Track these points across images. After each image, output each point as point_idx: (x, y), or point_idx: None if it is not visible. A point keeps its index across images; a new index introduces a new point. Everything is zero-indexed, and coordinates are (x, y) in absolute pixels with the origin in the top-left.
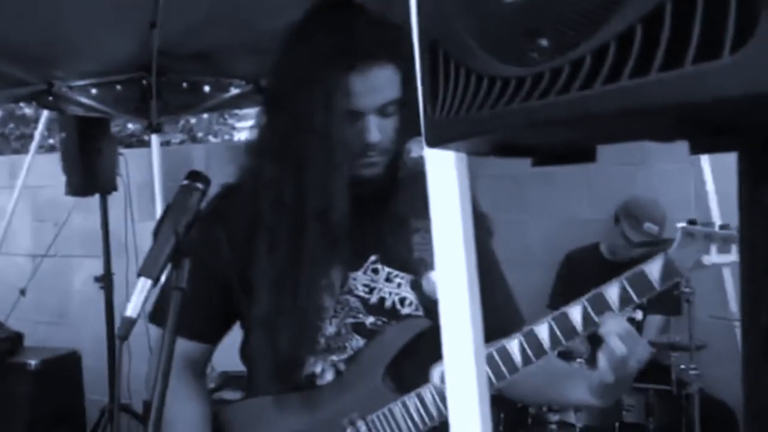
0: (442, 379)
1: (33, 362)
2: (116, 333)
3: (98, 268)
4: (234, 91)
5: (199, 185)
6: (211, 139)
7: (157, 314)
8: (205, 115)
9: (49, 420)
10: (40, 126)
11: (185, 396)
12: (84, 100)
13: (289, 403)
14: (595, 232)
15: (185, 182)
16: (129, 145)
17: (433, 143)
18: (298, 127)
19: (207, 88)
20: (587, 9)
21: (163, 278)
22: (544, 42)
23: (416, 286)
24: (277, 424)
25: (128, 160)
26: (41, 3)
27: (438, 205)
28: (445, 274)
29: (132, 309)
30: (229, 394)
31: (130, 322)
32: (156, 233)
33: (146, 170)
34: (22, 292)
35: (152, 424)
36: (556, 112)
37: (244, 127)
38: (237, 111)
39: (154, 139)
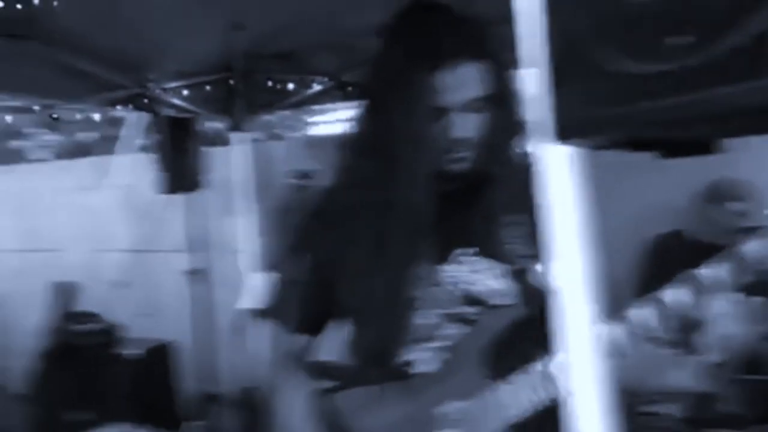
0: (558, 370)
1: (130, 353)
2: (231, 324)
3: (190, 263)
4: (316, 87)
5: (306, 183)
6: (288, 134)
7: (270, 309)
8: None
9: (145, 410)
10: (133, 127)
11: (295, 387)
12: (176, 101)
13: (387, 392)
14: (679, 216)
15: (294, 180)
16: (214, 144)
17: (563, 139)
18: (386, 124)
19: (291, 86)
20: (726, 7)
21: (275, 274)
22: (679, 40)
23: (511, 277)
24: (377, 412)
25: (214, 158)
26: (133, 8)
27: (555, 200)
28: (562, 266)
29: (248, 302)
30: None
31: (247, 314)
32: (271, 230)
33: (232, 168)
34: (118, 286)
35: (266, 414)
36: (691, 110)
37: (320, 122)
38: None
39: (239, 137)
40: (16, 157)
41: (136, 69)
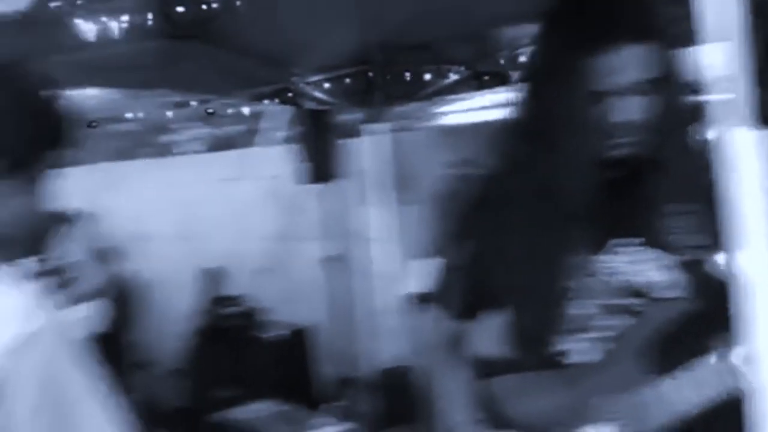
0: (741, 363)
1: (270, 335)
2: (397, 308)
3: (328, 250)
4: (453, 77)
5: (465, 170)
6: (420, 125)
7: (434, 295)
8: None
9: (284, 390)
10: (276, 120)
11: (453, 372)
12: (318, 94)
13: (543, 380)
14: None
15: (452, 168)
16: (349, 135)
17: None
18: (546, 109)
19: (428, 77)
20: None
21: (437, 261)
22: None
23: (680, 268)
24: (533, 400)
25: (354, 149)
26: (282, 7)
27: (743, 186)
28: (751, 255)
29: (411, 287)
30: None
31: (408, 300)
32: (428, 218)
33: (371, 158)
34: (260, 272)
35: (414, 396)
36: None
37: (451, 111)
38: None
39: (374, 128)
40: (169, 150)
41: (282, 65)
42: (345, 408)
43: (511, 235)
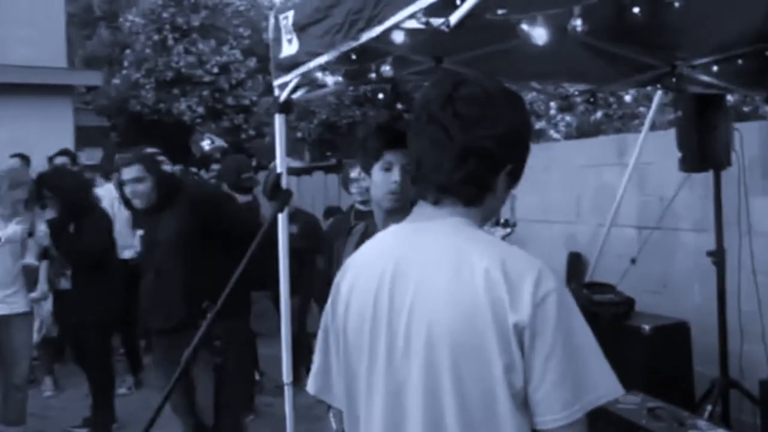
0: None
1: (646, 327)
2: None
3: (705, 243)
4: None
5: None
6: None
7: None
8: None
9: (659, 383)
10: (654, 106)
11: None
12: (704, 78)
13: None
14: None
15: None
16: (743, 119)
17: None
18: None
19: None
20: None
21: None
22: None
23: None
24: None
25: (743, 134)
26: None
27: None
28: None
29: None
30: None
31: None
32: None
33: (760, 144)
34: (633, 261)
35: None
36: None
37: None
38: None
39: None
40: (537, 137)
41: (667, 49)
42: (721, 413)
43: None
